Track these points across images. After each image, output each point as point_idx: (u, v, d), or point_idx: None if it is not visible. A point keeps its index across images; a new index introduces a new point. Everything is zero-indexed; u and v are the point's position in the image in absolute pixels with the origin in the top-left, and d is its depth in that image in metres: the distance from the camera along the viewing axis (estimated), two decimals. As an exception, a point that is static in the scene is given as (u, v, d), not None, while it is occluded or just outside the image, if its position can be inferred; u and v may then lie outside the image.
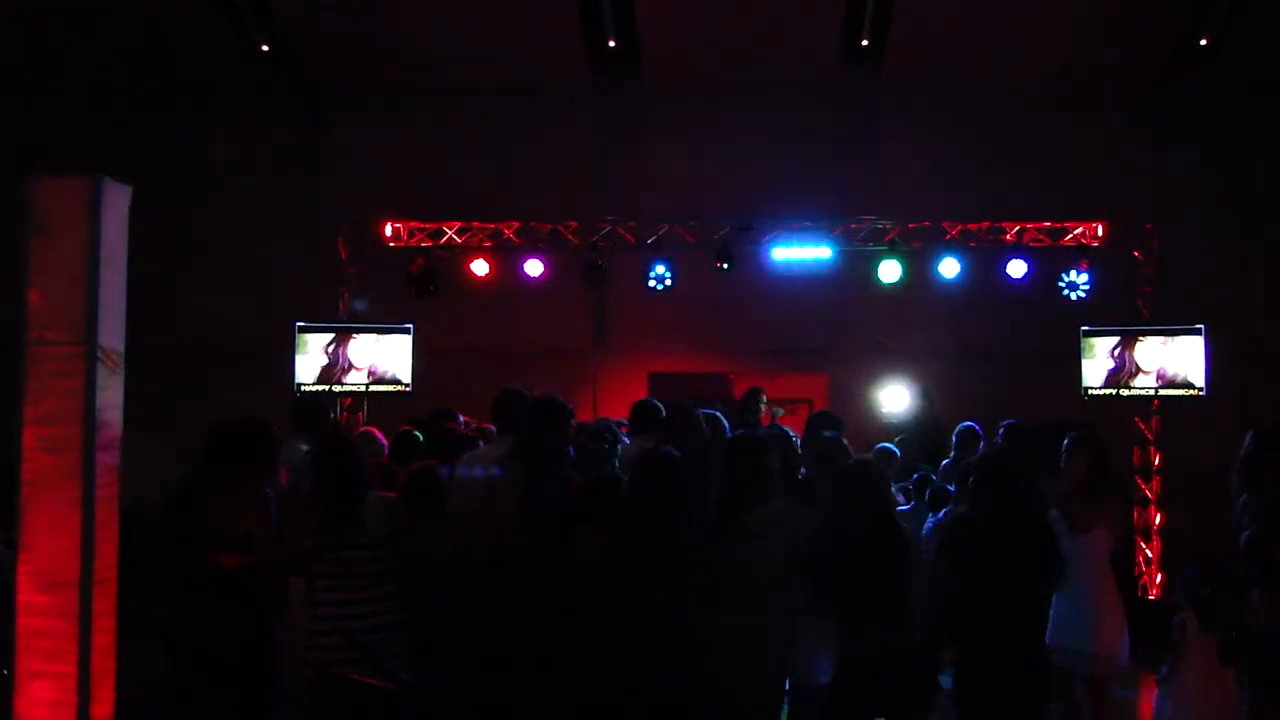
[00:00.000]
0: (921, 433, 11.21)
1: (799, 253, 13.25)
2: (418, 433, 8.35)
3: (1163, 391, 12.30)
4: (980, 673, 5.96)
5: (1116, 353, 12.40)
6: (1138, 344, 12.38)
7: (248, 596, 6.08)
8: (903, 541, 5.92)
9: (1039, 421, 9.36)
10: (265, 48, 14.56)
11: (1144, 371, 12.33)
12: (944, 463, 9.15)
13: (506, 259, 13.25)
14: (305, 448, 7.61)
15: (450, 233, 13.16)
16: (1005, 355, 14.05)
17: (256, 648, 6.13)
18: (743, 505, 5.93)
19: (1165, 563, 12.69)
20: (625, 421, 8.32)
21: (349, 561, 5.86)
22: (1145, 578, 12.75)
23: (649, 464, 5.97)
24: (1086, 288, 12.59)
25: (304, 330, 12.56)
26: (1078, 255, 12.74)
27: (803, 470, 7.19)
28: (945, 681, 6.47)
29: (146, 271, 6.37)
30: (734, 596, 5.75)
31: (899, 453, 9.25)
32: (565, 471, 6.35)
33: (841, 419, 8.36)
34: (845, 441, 7.36)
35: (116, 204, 5.66)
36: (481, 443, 7.37)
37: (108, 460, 5.55)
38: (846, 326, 14.74)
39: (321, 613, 5.84)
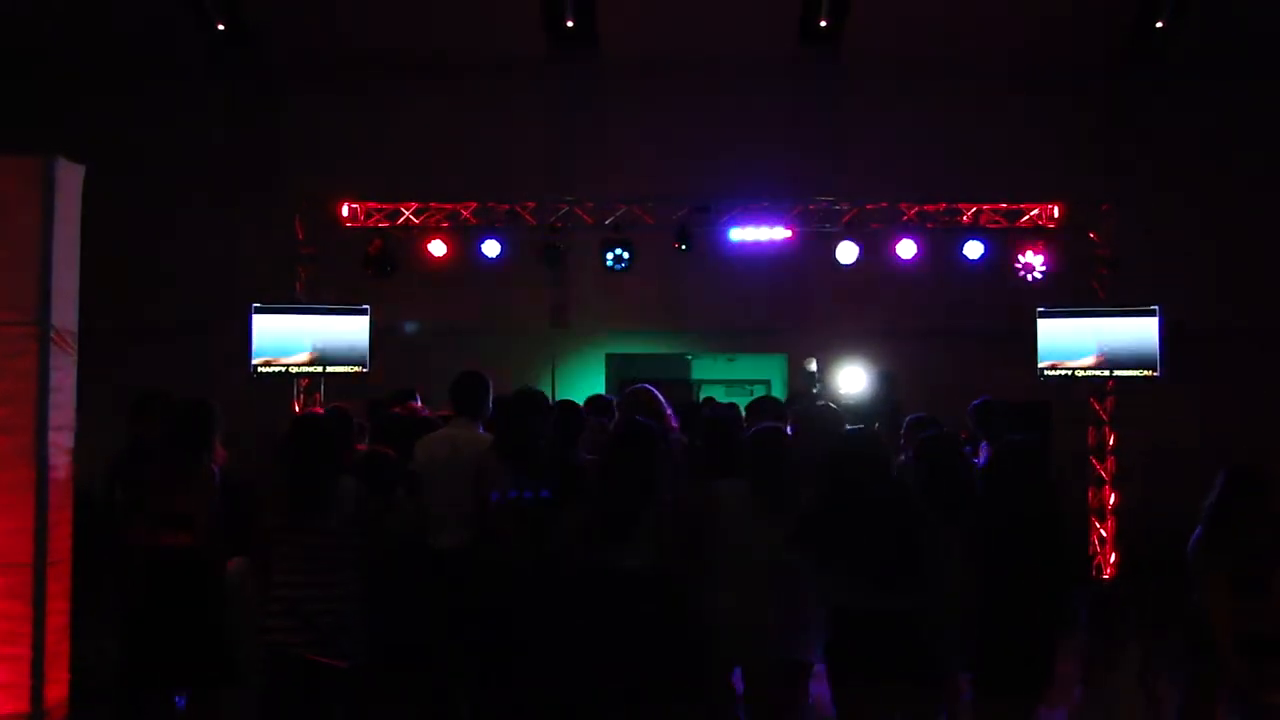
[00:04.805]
0: (881, 417, 11.23)
1: (757, 234, 13.24)
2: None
3: (1117, 372, 12.38)
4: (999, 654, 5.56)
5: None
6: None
7: (192, 576, 6.06)
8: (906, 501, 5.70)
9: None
10: (221, 26, 14.45)
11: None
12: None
13: (464, 240, 13.18)
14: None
15: (408, 213, 13.08)
16: (961, 336, 14.15)
17: (205, 628, 6.10)
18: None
19: (1119, 542, 12.82)
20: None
21: (313, 544, 5.80)
22: (1100, 557, 12.87)
23: (622, 433, 6.05)
24: (1043, 269, 12.67)
25: (260, 311, 12.43)
26: (1034, 237, 12.81)
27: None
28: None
29: (101, 252, 6.31)
30: (727, 574, 5.74)
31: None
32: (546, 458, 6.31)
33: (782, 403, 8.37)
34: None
35: (70, 183, 5.60)
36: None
37: (61, 442, 5.50)
38: (804, 308, 14.80)
39: (280, 594, 5.79)
